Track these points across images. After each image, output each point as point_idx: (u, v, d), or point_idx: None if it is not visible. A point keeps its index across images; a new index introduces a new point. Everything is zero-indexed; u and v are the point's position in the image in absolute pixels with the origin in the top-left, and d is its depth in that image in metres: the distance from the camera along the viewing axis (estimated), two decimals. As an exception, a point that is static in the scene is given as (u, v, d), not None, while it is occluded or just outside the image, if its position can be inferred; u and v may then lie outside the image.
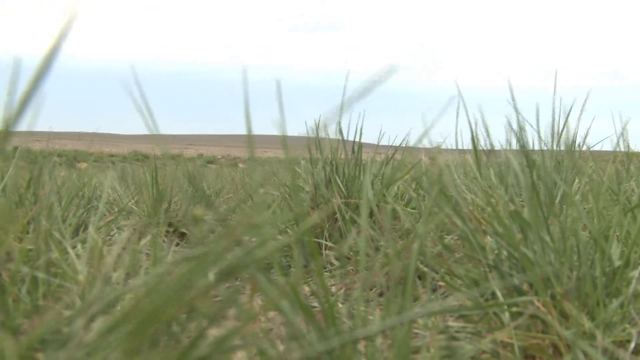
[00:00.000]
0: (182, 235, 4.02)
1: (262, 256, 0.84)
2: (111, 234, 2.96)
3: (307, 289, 2.04)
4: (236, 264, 0.81)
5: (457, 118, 2.34)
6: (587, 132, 3.43)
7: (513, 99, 1.92)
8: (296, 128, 3.48)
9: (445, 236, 2.10)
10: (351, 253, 2.41)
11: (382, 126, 3.60)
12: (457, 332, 1.60)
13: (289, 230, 2.94)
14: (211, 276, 0.80)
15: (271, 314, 1.89)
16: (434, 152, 2.46)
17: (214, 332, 0.94)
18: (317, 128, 3.38)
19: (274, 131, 1.22)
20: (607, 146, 3.51)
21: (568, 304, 1.52)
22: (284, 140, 1.16)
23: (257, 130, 1.14)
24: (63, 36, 0.73)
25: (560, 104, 2.87)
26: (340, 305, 1.88)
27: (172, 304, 0.74)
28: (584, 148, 3.45)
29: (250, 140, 1.09)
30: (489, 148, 2.56)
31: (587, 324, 1.49)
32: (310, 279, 1.75)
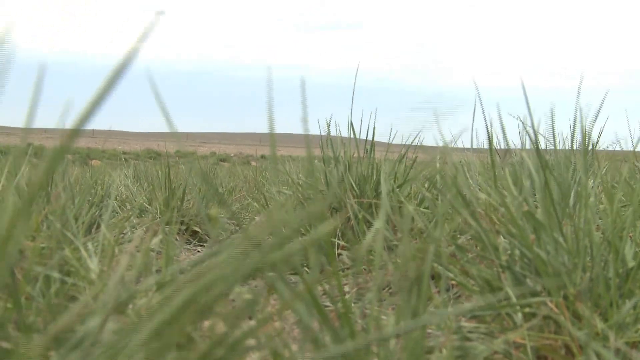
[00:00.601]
0: (195, 233, 4.02)
1: (280, 259, 0.84)
2: (124, 232, 2.96)
3: (320, 288, 2.04)
4: (255, 268, 0.81)
5: (473, 117, 2.33)
6: (601, 132, 3.42)
7: (527, 99, 1.91)
8: (310, 126, 3.47)
9: (459, 236, 2.10)
10: (364, 252, 2.40)
11: (394, 125, 3.60)
12: (470, 332, 1.60)
13: (302, 230, 2.94)
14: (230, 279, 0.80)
15: (285, 312, 1.89)
16: (447, 152, 2.45)
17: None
18: (328, 127, 3.39)
19: (286, 129, 1.22)
20: (623, 146, 3.50)
21: (581, 305, 1.51)
22: (306, 140, 1.16)
23: (268, 129, 1.14)
24: (142, 40, 0.73)
25: (578, 104, 2.85)
26: (354, 305, 1.88)
27: (191, 309, 0.74)
28: (599, 148, 3.43)
29: (272, 139, 1.09)
30: (504, 148, 2.56)
31: (600, 325, 1.49)
32: (324, 279, 1.75)
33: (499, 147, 2.88)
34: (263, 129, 1.12)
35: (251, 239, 0.76)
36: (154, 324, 0.74)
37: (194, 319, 0.76)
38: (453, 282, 1.77)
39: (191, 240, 3.87)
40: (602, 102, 2.80)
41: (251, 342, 0.92)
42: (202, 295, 0.76)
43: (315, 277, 1.07)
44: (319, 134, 3.49)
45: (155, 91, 1.05)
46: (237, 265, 0.77)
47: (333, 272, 1.12)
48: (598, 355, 1.44)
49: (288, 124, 1.16)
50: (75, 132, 0.75)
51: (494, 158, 2.08)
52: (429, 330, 1.60)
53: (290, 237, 0.83)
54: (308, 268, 1.12)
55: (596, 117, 2.86)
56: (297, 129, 1.19)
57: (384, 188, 1.71)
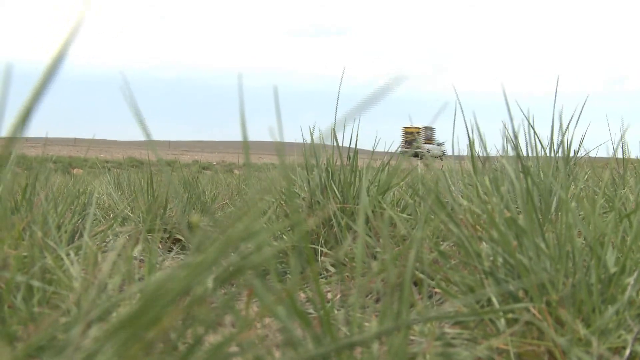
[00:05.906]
0: (177, 241, 4.01)
1: (258, 262, 0.84)
2: (106, 240, 2.95)
3: (302, 295, 2.04)
4: (233, 270, 0.81)
5: (454, 124, 2.33)
6: (583, 138, 3.43)
7: (507, 105, 1.92)
8: (294, 134, 3.47)
9: (441, 243, 2.10)
10: (347, 259, 2.40)
11: (380, 132, 3.61)
12: (453, 338, 1.60)
13: (284, 237, 2.94)
14: (209, 282, 0.80)
15: (267, 320, 1.88)
16: (429, 159, 2.46)
17: (210, 339, 0.94)
18: (312, 135, 3.39)
19: (269, 137, 1.21)
20: (605, 153, 3.51)
21: (563, 311, 1.52)
22: (279, 147, 1.16)
23: (253, 136, 1.14)
24: (69, 43, 0.72)
25: (560, 110, 2.86)
26: (336, 312, 1.88)
27: (170, 310, 0.74)
28: (581, 154, 3.45)
29: (245, 147, 1.09)
30: (485, 154, 2.56)
31: (583, 331, 1.49)
32: (306, 285, 1.75)
33: (480, 154, 2.88)
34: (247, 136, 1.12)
35: (230, 242, 0.76)
36: (132, 328, 0.74)
37: (173, 321, 0.76)
38: (437, 289, 1.77)
39: (173, 248, 3.86)
40: (582, 108, 2.82)
41: (233, 347, 0.92)
42: (180, 298, 0.75)
43: (295, 280, 1.07)
44: (302, 141, 3.49)
45: (130, 100, 1.04)
46: (215, 267, 0.77)
47: (313, 276, 1.12)
48: (580, 360, 1.44)
49: (271, 131, 1.16)
50: (12, 140, 0.74)
51: (476, 163, 2.08)
52: (412, 337, 1.60)
53: (268, 241, 0.83)
54: (290, 275, 1.12)
55: (576, 123, 2.87)
56: (286, 137, 1.19)
57: (363, 193, 1.71)
